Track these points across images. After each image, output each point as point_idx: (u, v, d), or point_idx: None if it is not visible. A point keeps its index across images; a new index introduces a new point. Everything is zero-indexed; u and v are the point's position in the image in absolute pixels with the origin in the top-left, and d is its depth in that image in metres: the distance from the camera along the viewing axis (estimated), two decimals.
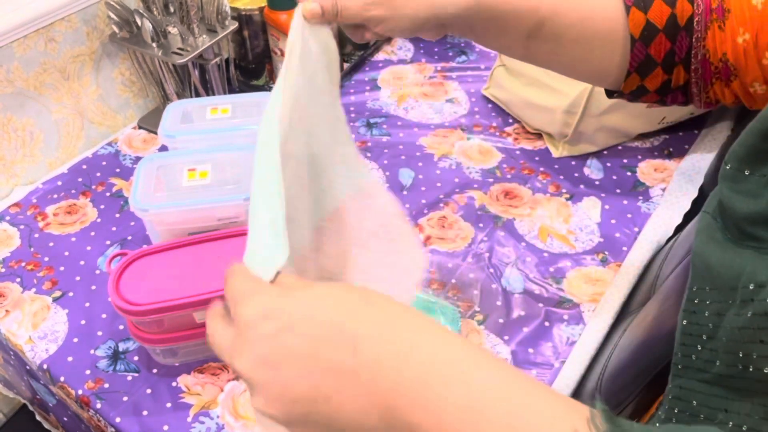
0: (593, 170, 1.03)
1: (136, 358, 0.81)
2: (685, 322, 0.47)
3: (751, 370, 0.40)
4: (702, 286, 0.46)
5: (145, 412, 0.75)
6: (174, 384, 0.78)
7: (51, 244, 0.95)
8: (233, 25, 1.07)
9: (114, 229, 0.97)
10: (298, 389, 0.34)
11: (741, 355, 0.41)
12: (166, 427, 0.74)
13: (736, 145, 0.44)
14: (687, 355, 0.47)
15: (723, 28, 0.54)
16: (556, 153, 1.05)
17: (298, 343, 0.35)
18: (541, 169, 1.04)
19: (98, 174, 1.07)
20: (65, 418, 0.91)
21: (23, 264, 0.92)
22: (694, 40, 0.56)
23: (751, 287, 0.40)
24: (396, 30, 0.54)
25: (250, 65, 1.21)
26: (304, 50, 0.49)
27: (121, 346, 0.82)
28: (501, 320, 0.83)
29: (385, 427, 0.34)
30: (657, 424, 0.49)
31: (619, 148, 1.07)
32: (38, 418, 1.05)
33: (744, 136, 0.44)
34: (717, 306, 0.44)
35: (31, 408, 1.04)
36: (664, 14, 0.56)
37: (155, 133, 1.11)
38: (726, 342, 0.43)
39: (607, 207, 0.98)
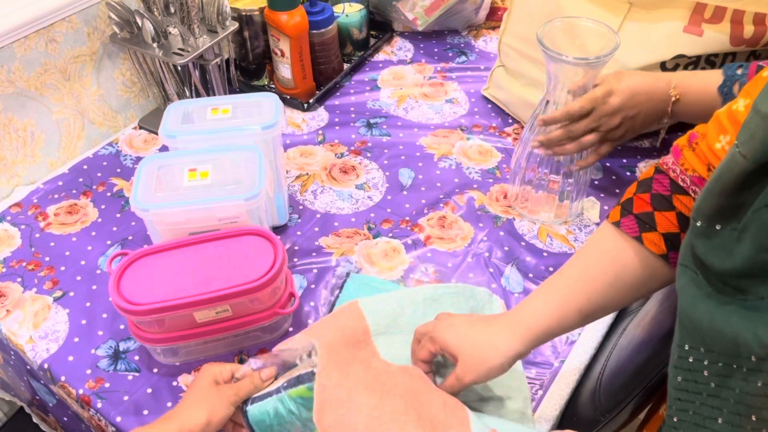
0: (593, 170, 1.03)
1: (136, 357, 0.81)
2: (680, 378, 0.48)
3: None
4: (694, 345, 0.46)
5: (145, 412, 0.75)
6: (175, 383, 0.78)
7: (52, 244, 0.95)
8: (234, 26, 1.07)
9: (115, 229, 0.97)
10: None
11: (754, 419, 0.42)
12: None
13: (701, 203, 0.45)
14: (683, 410, 0.48)
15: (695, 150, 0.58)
16: None
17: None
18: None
19: (99, 174, 1.07)
20: (65, 419, 0.91)
21: (24, 264, 0.92)
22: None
23: (753, 359, 0.41)
24: (489, 378, 0.65)
25: (251, 65, 1.21)
26: None
27: (122, 346, 0.82)
28: None
29: None
30: None
31: (619, 148, 1.07)
32: (36, 420, 1.05)
33: (706, 194, 0.44)
34: (717, 368, 0.45)
35: (28, 410, 1.04)
36: (671, 219, 0.60)
37: (156, 133, 1.12)
38: (734, 403, 0.43)
39: (606, 207, 0.98)
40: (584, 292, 0.63)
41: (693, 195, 0.58)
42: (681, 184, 0.59)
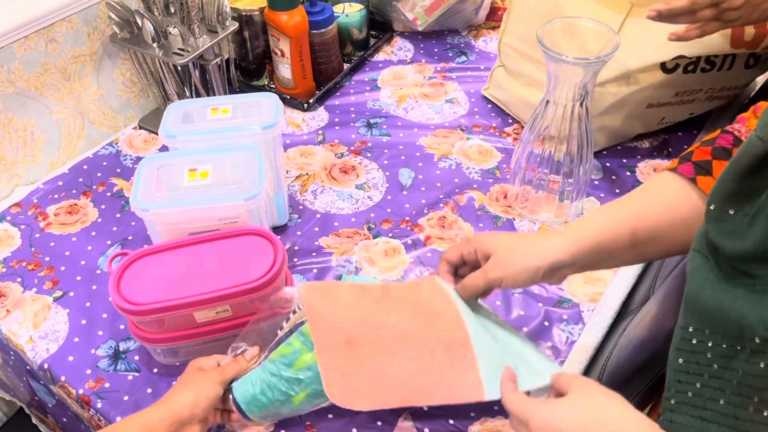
0: (593, 170, 1.03)
1: (136, 357, 0.81)
2: (681, 360, 0.48)
3: (765, 414, 0.42)
4: (699, 327, 0.47)
5: None
6: (175, 383, 0.78)
7: (52, 243, 0.95)
8: (234, 26, 1.07)
9: (115, 229, 0.97)
10: None
11: (756, 400, 0.42)
12: None
13: (717, 187, 0.45)
14: (682, 391, 0.48)
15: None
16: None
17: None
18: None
19: (99, 174, 1.07)
20: (64, 419, 0.91)
21: (24, 264, 0.92)
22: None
23: (757, 341, 0.41)
24: (518, 283, 0.63)
25: (251, 66, 1.21)
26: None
27: (122, 346, 0.82)
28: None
29: None
30: None
31: (619, 148, 1.07)
32: (35, 421, 1.05)
33: (723, 178, 0.45)
34: (721, 350, 0.45)
35: (27, 411, 1.04)
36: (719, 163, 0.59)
37: (156, 133, 1.12)
38: (737, 385, 0.44)
39: None
40: (638, 216, 0.61)
41: None
42: (742, 139, 0.58)
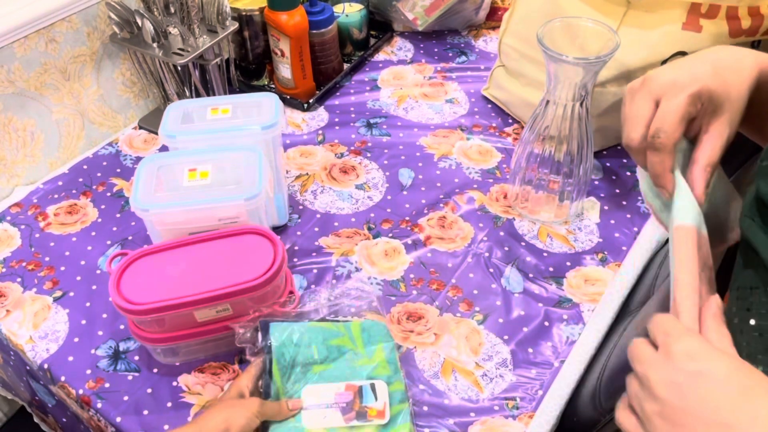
0: (593, 170, 1.03)
1: (136, 357, 0.81)
2: (753, 322, 0.46)
3: None
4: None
5: (145, 412, 0.75)
6: (175, 383, 0.78)
7: (52, 244, 0.95)
8: (233, 26, 1.07)
9: (115, 229, 0.97)
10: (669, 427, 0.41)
11: None
12: (166, 427, 0.74)
13: None
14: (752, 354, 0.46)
15: None
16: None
17: (698, 395, 0.41)
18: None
19: (99, 174, 1.07)
20: (64, 419, 0.91)
21: (24, 264, 0.92)
22: None
23: None
24: (733, 122, 0.51)
25: (251, 65, 1.21)
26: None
27: (122, 346, 0.82)
28: (501, 320, 0.83)
29: None
30: None
31: (619, 148, 1.07)
32: (36, 420, 1.05)
33: None
34: None
35: (29, 410, 1.04)
36: None
37: (156, 133, 1.12)
38: None
39: (606, 207, 0.98)
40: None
41: None
42: None
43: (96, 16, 1.05)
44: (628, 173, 1.03)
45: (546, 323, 0.83)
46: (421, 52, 1.32)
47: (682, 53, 0.92)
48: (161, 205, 0.78)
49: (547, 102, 0.85)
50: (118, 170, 1.07)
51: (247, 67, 1.21)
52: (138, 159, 1.09)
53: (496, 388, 0.77)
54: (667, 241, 0.92)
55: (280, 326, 0.73)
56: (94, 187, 1.04)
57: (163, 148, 1.10)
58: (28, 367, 0.86)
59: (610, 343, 0.82)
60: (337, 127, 1.14)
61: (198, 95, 1.10)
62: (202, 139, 0.86)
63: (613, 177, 1.03)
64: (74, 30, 1.03)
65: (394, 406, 0.71)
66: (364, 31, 1.28)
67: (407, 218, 0.97)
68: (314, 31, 1.14)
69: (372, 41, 1.32)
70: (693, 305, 0.46)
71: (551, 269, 0.89)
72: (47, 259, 0.93)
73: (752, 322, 0.46)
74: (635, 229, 0.94)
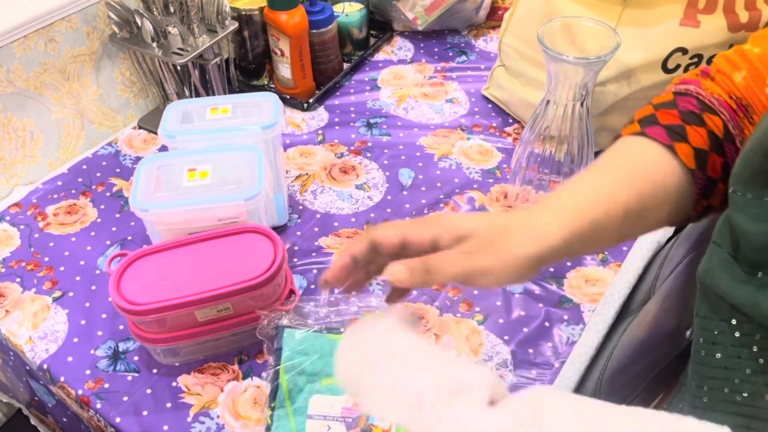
0: None
1: (136, 358, 0.81)
2: (719, 355, 0.45)
3: None
4: (742, 320, 0.44)
5: (145, 412, 0.75)
6: (174, 384, 0.78)
7: (51, 244, 0.95)
8: (233, 26, 1.07)
9: (114, 229, 0.97)
10: None
11: None
12: (166, 427, 0.74)
13: (741, 170, 0.42)
14: (717, 388, 0.45)
15: (752, 122, 0.53)
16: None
17: None
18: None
19: (98, 174, 1.07)
20: (64, 419, 0.91)
21: (23, 264, 0.92)
22: (738, 143, 0.54)
23: None
24: (508, 278, 0.48)
25: (250, 65, 1.21)
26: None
27: (122, 346, 0.82)
28: (501, 320, 0.83)
29: None
30: None
31: None
32: (34, 422, 1.05)
33: (745, 161, 0.42)
34: (764, 342, 0.43)
35: (26, 412, 1.04)
36: (702, 135, 0.53)
37: (155, 133, 1.11)
38: None
39: None
40: (629, 187, 0.52)
41: (721, 116, 0.53)
42: (708, 104, 0.54)
43: (95, 15, 1.05)
44: None
45: (546, 323, 0.83)
46: (421, 51, 1.32)
47: (682, 49, 0.92)
48: (161, 205, 0.77)
49: (548, 102, 0.85)
50: (118, 170, 1.07)
51: (247, 67, 1.21)
52: (137, 159, 1.09)
53: None
54: (667, 241, 0.91)
55: (293, 333, 0.74)
56: (93, 187, 1.04)
57: (163, 148, 1.10)
58: (27, 368, 0.86)
59: (611, 344, 0.82)
60: (337, 127, 1.14)
61: (198, 95, 1.10)
62: (202, 139, 0.86)
63: None
64: (74, 30, 1.03)
65: (401, 427, 0.70)
66: (364, 30, 1.27)
67: (407, 218, 0.97)
68: (314, 31, 1.14)
69: (372, 41, 1.32)
70: None
71: (551, 269, 0.89)
72: (46, 259, 0.93)
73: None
74: None
